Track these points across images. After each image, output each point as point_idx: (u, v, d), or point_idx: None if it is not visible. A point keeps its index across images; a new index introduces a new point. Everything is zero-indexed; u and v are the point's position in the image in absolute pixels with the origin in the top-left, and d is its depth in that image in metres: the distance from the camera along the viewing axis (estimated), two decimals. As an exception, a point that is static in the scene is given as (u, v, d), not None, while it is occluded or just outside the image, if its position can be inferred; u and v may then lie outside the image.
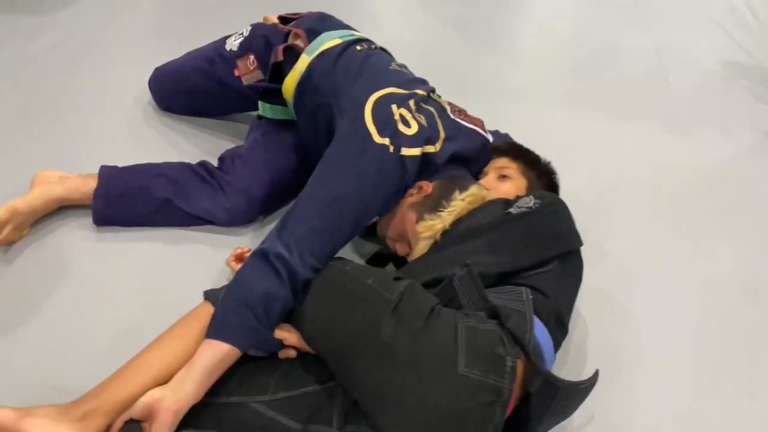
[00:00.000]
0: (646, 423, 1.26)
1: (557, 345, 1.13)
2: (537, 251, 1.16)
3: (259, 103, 1.58)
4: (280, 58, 1.50)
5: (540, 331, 1.06)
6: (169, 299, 1.34)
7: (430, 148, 1.30)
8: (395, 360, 0.97)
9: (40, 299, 1.34)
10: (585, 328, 1.38)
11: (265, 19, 2.06)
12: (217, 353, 1.05)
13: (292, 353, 1.13)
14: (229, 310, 1.08)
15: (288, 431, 1.06)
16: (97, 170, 1.50)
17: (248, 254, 1.40)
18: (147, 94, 1.87)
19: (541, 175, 1.43)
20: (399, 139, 1.25)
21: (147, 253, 1.46)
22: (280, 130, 1.59)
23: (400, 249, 1.35)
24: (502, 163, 1.44)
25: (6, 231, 1.35)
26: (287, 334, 1.12)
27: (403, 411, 0.96)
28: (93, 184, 1.47)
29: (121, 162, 1.53)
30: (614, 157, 1.97)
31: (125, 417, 1.04)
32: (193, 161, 1.58)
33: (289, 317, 1.13)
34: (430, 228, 1.24)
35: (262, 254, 1.12)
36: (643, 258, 1.61)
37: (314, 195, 1.21)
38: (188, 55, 1.80)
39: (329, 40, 1.49)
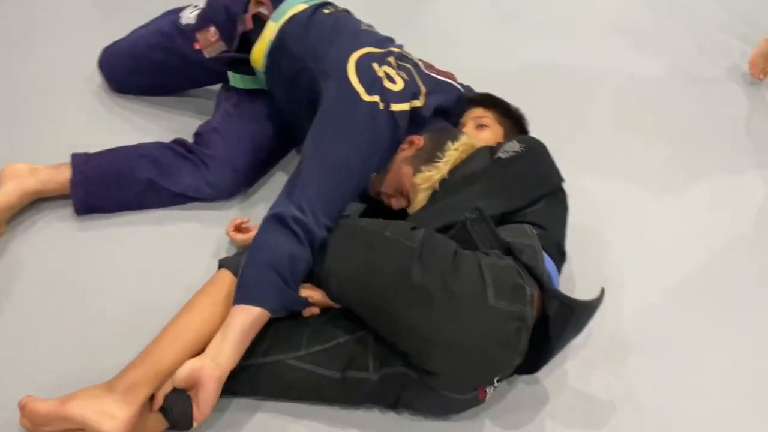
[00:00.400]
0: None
1: (559, 270, 1.24)
2: (530, 191, 1.27)
3: (229, 74, 1.56)
4: (250, 26, 1.49)
5: (546, 261, 1.16)
6: (170, 278, 1.36)
7: (416, 103, 1.35)
8: (431, 300, 1.04)
9: (33, 296, 1.31)
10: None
11: None
12: (249, 317, 1.08)
13: (316, 310, 1.18)
14: (256, 274, 1.11)
15: (327, 380, 1.12)
16: (63, 160, 1.45)
17: (247, 223, 1.43)
18: (96, 77, 1.79)
19: (515, 121, 1.52)
20: (387, 96, 1.30)
21: (137, 237, 1.45)
22: (252, 100, 1.59)
23: (395, 203, 1.40)
24: (479, 113, 1.51)
25: None
26: (311, 292, 1.17)
27: (444, 345, 1.04)
28: (67, 173, 1.43)
29: (88, 149, 1.49)
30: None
31: (168, 387, 1.06)
32: (163, 140, 1.55)
33: (309, 277, 1.17)
34: (428, 179, 1.30)
35: (278, 218, 1.15)
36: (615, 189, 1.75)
37: (316, 158, 1.24)
38: (139, 32, 1.75)
39: (295, 6, 1.49)
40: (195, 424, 1.07)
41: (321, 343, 1.14)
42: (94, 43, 1.81)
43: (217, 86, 1.71)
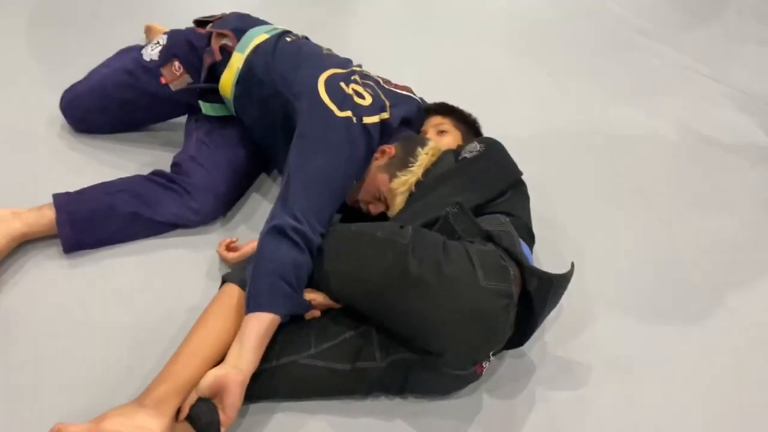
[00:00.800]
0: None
1: (531, 250, 1.38)
2: (496, 184, 1.41)
3: (200, 103, 1.64)
4: (218, 57, 1.58)
5: (521, 244, 1.31)
6: (169, 301, 1.42)
7: (384, 115, 1.47)
8: (429, 288, 1.15)
9: (38, 331, 1.34)
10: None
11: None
12: (263, 323, 1.16)
13: (318, 313, 1.27)
14: (264, 284, 1.19)
15: (338, 373, 1.22)
16: (39, 203, 1.49)
17: (236, 242, 1.50)
18: (56, 119, 1.82)
19: (470, 124, 1.67)
20: (359, 110, 1.41)
21: (129, 267, 1.49)
22: (222, 127, 1.67)
23: (374, 209, 1.51)
24: (437, 120, 1.65)
25: None
26: (314, 295, 1.26)
27: (445, 326, 1.16)
28: (50, 214, 1.47)
29: (61, 190, 1.52)
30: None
31: (192, 397, 1.13)
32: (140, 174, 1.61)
33: (309, 282, 1.26)
34: (404, 183, 1.42)
35: (278, 230, 1.23)
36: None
37: (302, 172, 1.33)
38: (100, 72, 1.80)
39: (258, 36, 1.59)
40: (222, 430, 1.13)
41: (328, 341, 1.24)
42: (51, 85, 1.84)
43: (182, 118, 1.79)
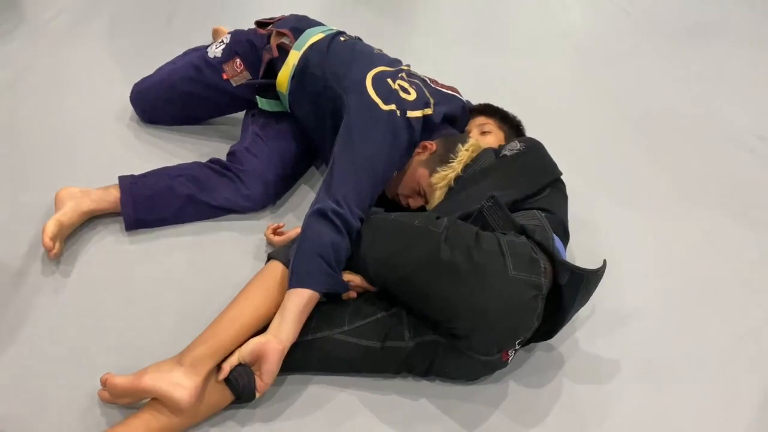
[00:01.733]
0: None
1: (565, 247, 1.41)
2: (535, 181, 1.45)
3: (258, 98, 1.75)
4: (276, 54, 1.69)
5: (555, 239, 1.34)
6: (217, 278, 1.52)
7: (427, 111, 1.53)
8: (459, 274, 1.20)
9: (99, 300, 1.46)
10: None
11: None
12: (303, 298, 1.24)
13: (354, 294, 1.34)
14: (306, 262, 1.26)
15: (368, 350, 1.29)
16: (109, 184, 1.63)
17: (282, 228, 1.60)
18: (126, 112, 1.98)
19: (512, 125, 1.72)
20: (403, 104, 1.49)
21: (181, 248, 1.60)
22: (276, 122, 1.77)
23: (413, 203, 1.57)
24: (481, 120, 1.71)
25: (58, 244, 1.48)
26: (352, 277, 1.33)
27: (473, 312, 1.20)
28: (115, 193, 1.60)
29: (127, 173, 1.66)
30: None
31: (233, 361, 1.21)
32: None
33: (348, 264, 1.33)
34: (444, 177, 1.48)
35: (320, 213, 1.31)
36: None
37: (345, 160, 1.41)
38: (168, 67, 1.94)
39: (314, 35, 1.69)
40: (258, 394, 1.22)
41: (361, 319, 1.30)
42: (124, 81, 2.00)
43: (240, 115, 1.90)
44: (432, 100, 1.57)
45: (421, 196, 1.55)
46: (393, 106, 1.47)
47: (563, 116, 1.78)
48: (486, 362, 1.30)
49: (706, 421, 1.36)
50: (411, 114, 1.49)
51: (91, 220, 1.62)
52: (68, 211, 1.55)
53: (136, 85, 1.95)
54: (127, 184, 1.62)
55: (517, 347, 1.30)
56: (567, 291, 1.27)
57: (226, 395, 1.23)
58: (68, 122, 1.96)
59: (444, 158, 1.51)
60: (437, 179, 1.49)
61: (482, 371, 1.34)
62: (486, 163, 1.49)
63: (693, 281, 1.68)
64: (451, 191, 1.48)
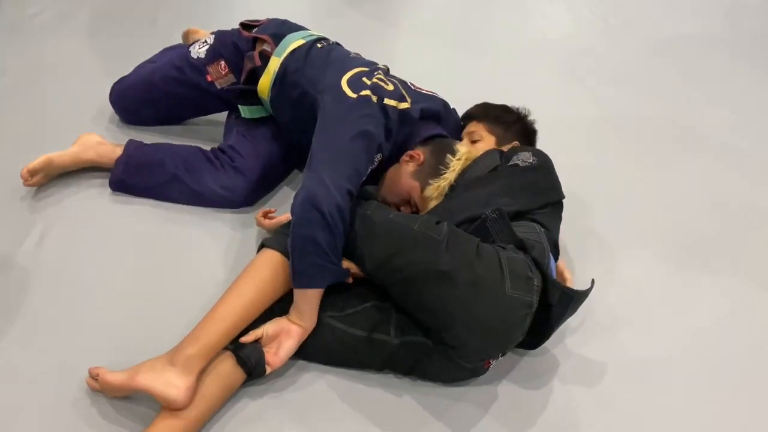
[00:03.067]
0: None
1: (556, 260, 1.43)
2: (541, 197, 1.45)
3: (240, 107, 1.75)
4: (258, 63, 1.68)
5: (550, 258, 1.36)
6: (201, 271, 1.53)
7: (404, 104, 1.52)
8: (458, 286, 1.20)
9: (81, 299, 1.45)
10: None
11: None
12: (311, 297, 1.28)
13: (350, 280, 1.34)
14: (306, 263, 1.26)
15: (357, 339, 1.30)
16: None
17: (273, 212, 1.61)
18: (105, 110, 1.95)
19: (507, 125, 1.70)
20: (380, 92, 1.48)
21: (168, 236, 1.61)
22: (261, 125, 1.77)
23: (405, 210, 1.56)
24: (472, 127, 1.71)
25: (37, 177, 1.63)
26: (350, 264, 1.33)
27: (467, 324, 1.20)
28: (119, 152, 1.70)
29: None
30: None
31: (258, 333, 1.26)
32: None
33: (345, 254, 1.33)
34: (437, 188, 1.49)
35: (308, 203, 1.26)
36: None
37: (324, 141, 1.40)
38: (147, 67, 1.92)
39: (294, 41, 1.69)
40: (269, 369, 1.25)
41: (353, 306, 1.32)
42: (105, 81, 1.98)
43: (221, 116, 1.89)
44: (409, 99, 1.56)
45: (412, 206, 1.55)
46: (368, 92, 1.47)
47: (542, 122, 1.80)
48: (468, 368, 1.32)
49: (699, 422, 1.37)
50: (388, 102, 1.48)
51: (95, 169, 1.72)
52: (65, 154, 1.67)
53: (115, 84, 1.93)
54: (131, 147, 1.70)
55: (500, 357, 1.33)
56: (556, 309, 1.30)
57: (239, 376, 1.24)
58: (48, 120, 1.94)
59: (435, 171, 1.51)
60: (431, 191, 1.50)
61: (463, 376, 1.35)
62: (491, 165, 1.49)
63: (686, 280, 1.70)
64: (450, 192, 1.48)
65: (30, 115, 1.95)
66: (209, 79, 1.76)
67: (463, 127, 1.75)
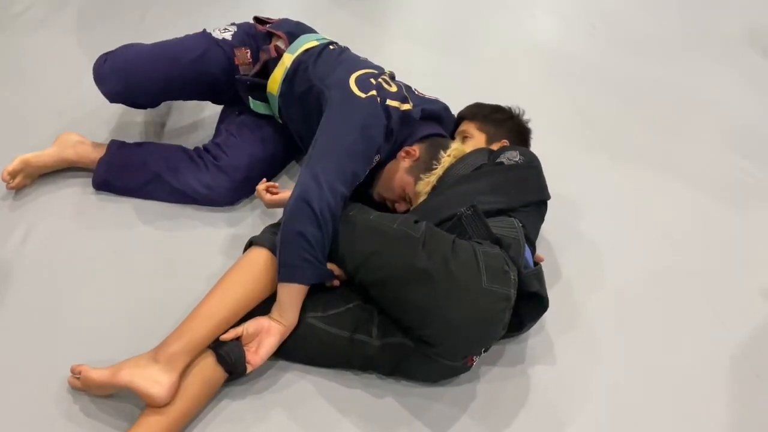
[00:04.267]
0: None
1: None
2: (525, 195, 1.46)
3: (250, 100, 1.76)
4: (275, 54, 1.70)
5: (526, 249, 1.37)
6: (186, 270, 1.54)
7: (406, 106, 1.54)
8: (433, 282, 1.20)
9: (64, 293, 1.46)
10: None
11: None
12: (294, 290, 1.29)
13: (337, 283, 1.36)
14: (292, 257, 1.27)
15: (339, 339, 1.30)
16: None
17: (276, 188, 1.61)
18: (95, 106, 1.91)
19: (497, 122, 1.71)
20: (383, 92, 1.50)
21: (153, 235, 1.62)
22: (254, 126, 1.77)
23: (399, 208, 1.58)
24: (463, 126, 1.73)
25: (18, 179, 1.63)
26: (334, 267, 1.34)
27: (445, 321, 1.20)
28: (101, 153, 1.70)
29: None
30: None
31: (238, 331, 1.25)
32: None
33: (329, 257, 1.33)
34: (428, 184, 1.50)
35: (302, 199, 1.28)
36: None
37: (325, 139, 1.41)
38: (163, 44, 1.75)
39: (308, 42, 1.71)
40: (249, 368, 1.24)
41: (335, 307, 1.33)
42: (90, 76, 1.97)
43: (207, 117, 1.90)
44: (412, 102, 1.58)
45: (407, 202, 1.57)
46: (373, 92, 1.49)
47: (530, 125, 1.83)
48: (451, 367, 1.32)
49: (684, 415, 1.39)
50: (390, 102, 1.50)
51: (76, 169, 1.72)
52: (43, 154, 1.66)
53: (109, 56, 1.69)
54: (114, 147, 1.70)
55: (483, 353, 1.33)
56: (526, 316, 1.33)
57: (220, 375, 1.24)
58: (35, 117, 1.93)
59: (428, 165, 1.52)
60: (422, 186, 1.51)
61: (446, 374, 1.36)
62: (477, 163, 1.50)
63: (667, 268, 1.72)
64: (433, 191, 1.49)
65: (13, 114, 1.94)
66: (236, 62, 1.74)
67: (456, 128, 1.76)
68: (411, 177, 1.54)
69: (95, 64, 1.71)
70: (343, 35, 1.98)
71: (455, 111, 1.81)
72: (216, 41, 1.74)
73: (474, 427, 1.31)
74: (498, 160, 1.50)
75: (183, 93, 1.81)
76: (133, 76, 1.66)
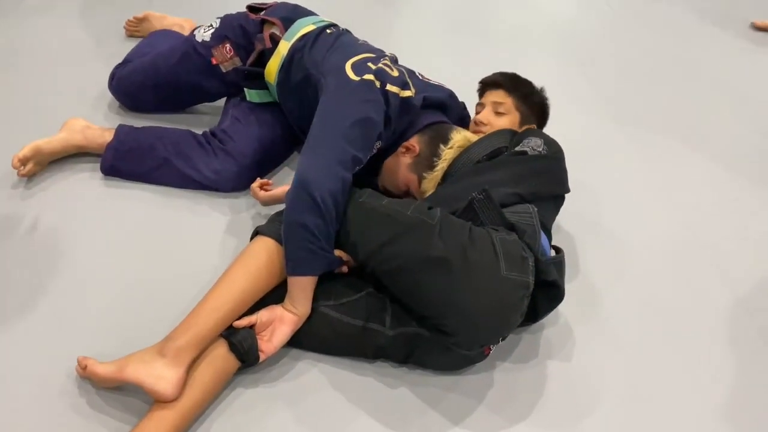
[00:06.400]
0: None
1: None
2: (544, 188, 1.42)
3: (246, 91, 1.73)
4: (269, 45, 1.66)
5: (542, 235, 1.33)
6: (192, 258, 1.51)
7: (407, 92, 1.50)
8: (451, 271, 1.17)
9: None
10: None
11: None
12: (304, 283, 1.26)
13: (346, 269, 1.33)
14: (297, 248, 1.24)
15: (352, 327, 1.28)
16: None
17: (270, 185, 1.58)
18: (98, 96, 1.94)
19: (532, 106, 1.65)
20: (383, 77, 1.45)
21: (160, 223, 1.60)
22: (255, 111, 1.74)
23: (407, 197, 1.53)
24: (498, 97, 1.65)
25: (29, 166, 1.61)
26: (342, 253, 1.31)
27: (463, 310, 1.18)
28: (109, 137, 1.66)
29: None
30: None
31: (252, 319, 1.24)
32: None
33: (338, 245, 1.31)
34: (433, 179, 1.47)
35: (302, 187, 1.24)
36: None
37: (323, 126, 1.37)
38: (151, 53, 1.89)
39: (305, 26, 1.67)
40: (262, 356, 1.23)
41: (348, 296, 1.30)
42: (100, 60, 1.95)
43: (220, 102, 1.87)
44: (414, 89, 1.54)
45: (412, 196, 1.54)
46: (371, 76, 1.44)
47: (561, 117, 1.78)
48: (467, 356, 1.29)
49: (705, 407, 1.36)
50: (390, 88, 1.45)
51: (84, 155, 1.71)
52: (53, 140, 1.65)
53: (116, 70, 1.90)
54: (122, 132, 1.68)
55: (500, 342, 1.30)
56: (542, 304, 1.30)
57: (233, 364, 1.22)
58: (44, 103, 1.91)
59: (430, 163, 1.49)
60: (426, 185, 1.48)
61: (462, 364, 1.33)
62: (496, 145, 1.46)
63: (686, 265, 1.68)
64: (451, 178, 1.45)
65: (19, 100, 1.91)
66: (214, 62, 1.73)
67: (481, 93, 1.71)
68: (414, 175, 1.50)
69: (108, 79, 1.90)
70: (353, 16, 1.94)
71: (465, 95, 1.76)
72: (194, 46, 1.74)
73: (490, 417, 1.28)
74: (520, 148, 1.45)
75: (180, 99, 1.89)
76: (132, 90, 1.87)
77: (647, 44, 2.64)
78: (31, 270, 1.43)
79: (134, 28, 2.22)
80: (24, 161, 1.59)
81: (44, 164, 1.66)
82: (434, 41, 2.51)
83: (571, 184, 1.50)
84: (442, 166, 1.47)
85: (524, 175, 1.40)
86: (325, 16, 1.78)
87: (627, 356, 1.43)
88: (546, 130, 1.69)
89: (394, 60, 1.60)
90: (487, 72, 1.76)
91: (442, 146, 1.49)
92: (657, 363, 1.42)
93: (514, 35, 2.62)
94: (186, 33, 2.08)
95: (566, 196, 1.51)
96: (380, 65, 1.49)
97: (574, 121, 2.12)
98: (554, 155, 1.46)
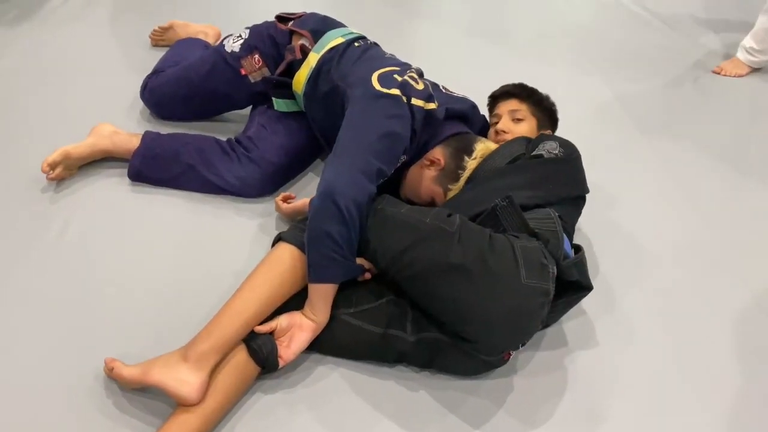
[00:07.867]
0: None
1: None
2: (563, 190, 1.42)
3: (274, 100, 1.75)
4: (299, 56, 1.68)
5: (564, 239, 1.32)
6: (215, 263, 1.52)
7: (431, 105, 1.51)
8: (471, 278, 1.17)
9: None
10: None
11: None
12: (325, 291, 1.28)
13: (369, 276, 1.34)
14: (320, 256, 1.25)
15: (372, 334, 1.28)
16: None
17: (293, 198, 1.61)
18: (131, 99, 1.98)
19: (546, 112, 1.68)
20: (408, 91, 1.46)
21: (182, 228, 1.62)
22: (281, 119, 1.76)
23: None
24: (514, 105, 1.67)
25: (58, 170, 1.65)
26: (364, 261, 1.32)
27: (483, 317, 1.18)
28: (136, 143, 1.71)
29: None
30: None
31: (272, 325, 1.25)
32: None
33: (359, 252, 1.30)
34: (457, 190, 1.48)
35: (327, 196, 1.24)
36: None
37: (349, 136, 1.37)
38: (180, 63, 1.92)
39: (334, 39, 1.68)
40: (281, 363, 1.24)
41: (368, 303, 1.30)
42: (128, 69, 1.98)
43: (243, 111, 1.90)
44: (438, 102, 1.54)
45: (435, 206, 1.52)
46: (397, 91, 1.45)
47: (564, 113, 1.77)
48: (488, 361, 1.29)
49: (724, 402, 1.35)
50: (415, 102, 1.46)
51: (111, 159, 1.75)
52: (82, 145, 1.69)
53: (147, 80, 1.94)
54: (148, 138, 1.72)
55: (520, 347, 1.30)
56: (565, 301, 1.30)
57: (253, 370, 1.24)
58: (73, 110, 1.95)
59: (455, 175, 1.49)
60: (451, 196, 1.48)
61: (482, 369, 1.33)
62: (514, 153, 1.46)
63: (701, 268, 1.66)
64: (469, 183, 1.46)
65: (49, 107, 1.96)
66: (243, 72, 1.76)
67: (493, 106, 1.72)
68: (440, 188, 1.51)
69: (140, 88, 1.94)
70: (374, 23, 1.96)
71: (483, 97, 1.77)
72: (223, 57, 1.77)
73: (510, 421, 1.28)
74: (536, 152, 1.44)
75: (208, 108, 1.92)
76: (162, 100, 1.91)
77: (666, 50, 2.61)
78: (60, 272, 1.46)
79: (159, 37, 2.26)
80: (53, 165, 1.63)
81: (73, 169, 1.69)
82: (454, 48, 2.50)
83: (589, 186, 1.49)
84: (466, 176, 1.48)
85: (542, 178, 1.40)
86: (352, 27, 1.80)
87: (648, 360, 1.42)
88: (566, 135, 1.68)
89: (420, 73, 1.61)
90: (508, 77, 1.77)
91: (466, 158, 1.50)
92: (680, 362, 1.42)
93: (533, 40, 2.61)
94: (210, 39, 2.13)
95: (586, 197, 1.50)
96: (406, 77, 1.50)
97: (593, 127, 2.10)
98: (570, 157, 1.46)
